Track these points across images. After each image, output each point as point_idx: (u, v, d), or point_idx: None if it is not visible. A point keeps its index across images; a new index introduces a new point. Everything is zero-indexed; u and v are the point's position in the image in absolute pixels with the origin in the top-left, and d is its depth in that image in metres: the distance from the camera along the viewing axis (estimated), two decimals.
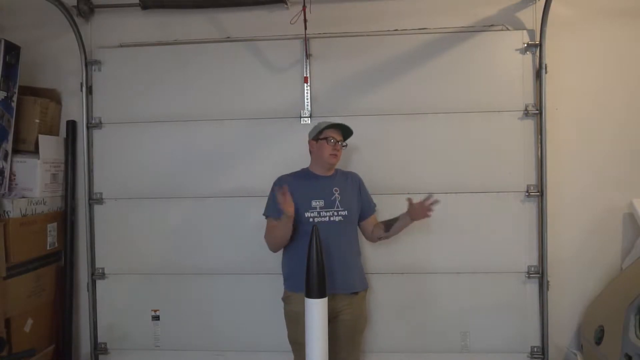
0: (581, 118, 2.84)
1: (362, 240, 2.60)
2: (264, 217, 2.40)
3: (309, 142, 2.44)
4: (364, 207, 2.49)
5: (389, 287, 2.85)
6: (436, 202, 2.28)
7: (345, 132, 2.42)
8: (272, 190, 2.41)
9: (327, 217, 2.32)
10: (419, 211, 2.31)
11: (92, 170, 3.01)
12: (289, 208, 2.17)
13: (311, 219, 2.31)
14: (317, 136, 2.39)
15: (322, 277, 2.01)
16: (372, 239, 2.55)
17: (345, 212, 2.34)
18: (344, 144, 2.41)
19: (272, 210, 2.35)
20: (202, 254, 2.94)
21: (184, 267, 2.95)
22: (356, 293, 2.37)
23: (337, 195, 2.36)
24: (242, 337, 2.93)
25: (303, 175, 2.45)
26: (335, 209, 2.34)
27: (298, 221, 2.32)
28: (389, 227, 2.44)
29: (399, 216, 2.41)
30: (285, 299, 2.40)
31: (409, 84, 2.86)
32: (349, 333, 2.35)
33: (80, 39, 2.94)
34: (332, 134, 2.36)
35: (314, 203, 2.33)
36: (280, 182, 2.39)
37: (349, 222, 2.38)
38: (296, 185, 2.36)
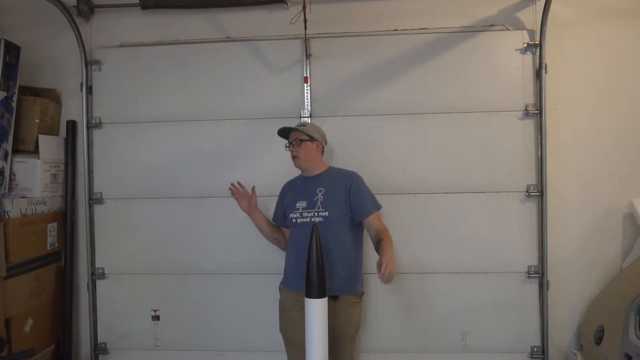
0: (581, 118, 2.84)
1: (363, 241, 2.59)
2: None
3: None
4: (356, 210, 2.34)
5: (389, 287, 2.84)
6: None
7: (295, 130, 2.41)
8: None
9: (309, 218, 2.31)
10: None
11: (92, 170, 3.01)
12: (240, 202, 2.47)
13: (294, 220, 2.35)
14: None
15: (322, 277, 2.00)
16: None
17: (327, 213, 2.30)
18: (299, 141, 2.36)
19: (273, 214, 2.56)
20: (202, 254, 2.94)
21: (184, 267, 2.95)
22: (336, 297, 2.27)
23: (319, 195, 2.34)
24: (242, 337, 2.93)
25: (297, 178, 2.51)
26: (316, 210, 2.32)
27: (289, 221, 2.41)
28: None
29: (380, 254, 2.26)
30: (279, 292, 2.47)
31: (409, 84, 2.85)
32: (333, 338, 2.20)
33: (80, 39, 2.94)
34: (288, 140, 2.44)
35: (297, 204, 2.37)
36: (283, 187, 2.53)
37: (332, 224, 2.30)
38: (290, 187, 2.50)
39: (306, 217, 2.32)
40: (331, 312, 2.21)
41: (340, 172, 2.49)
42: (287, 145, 2.44)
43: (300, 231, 2.28)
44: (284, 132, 2.47)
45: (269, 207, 2.62)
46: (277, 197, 2.56)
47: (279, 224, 2.54)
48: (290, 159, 2.42)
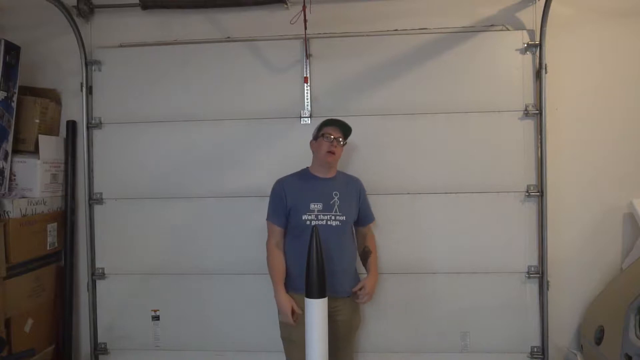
0: (581, 118, 2.84)
1: None
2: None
3: (310, 142, 2.45)
4: (360, 215, 2.47)
5: (389, 287, 2.85)
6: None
7: (345, 130, 2.39)
8: (271, 193, 2.43)
9: (325, 221, 2.29)
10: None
11: (92, 170, 3.01)
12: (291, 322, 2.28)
13: (308, 222, 2.30)
14: (317, 134, 2.40)
15: (322, 277, 2.01)
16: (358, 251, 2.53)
17: (343, 218, 2.33)
18: (343, 142, 2.38)
19: (272, 215, 2.39)
20: (202, 254, 2.94)
21: (184, 267, 2.95)
22: (350, 296, 2.39)
23: (336, 199, 2.34)
24: (241, 337, 2.93)
25: (303, 176, 2.44)
26: (333, 213, 2.32)
27: (295, 223, 2.34)
28: (364, 261, 2.51)
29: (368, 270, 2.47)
30: None
31: (409, 83, 2.85)
32: (343, 333, 2.36)
33: (80, 39, 2.94)
34: (330, 131, 2.35)
35: (312, 206, 2.31)
36: (280, 185, 2.42)
37: (346, 227, 2.36)
38: (295, 186, 2.39)
39: (322, 220, 2.29)
40: (343, 309, 2.34)
41: (348, 177, 2.53)
42: (331, 137, 2.32)
43: None
44: (333, 122, 2.37)
45: None
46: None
47: (279, 225, 2.39)
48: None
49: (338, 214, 2.32)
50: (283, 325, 2.40)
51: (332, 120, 2.38)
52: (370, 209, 2.55)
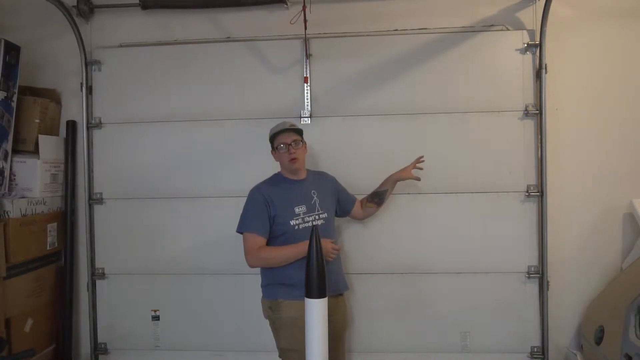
0: (581, 118, 2.84)
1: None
2: (239, 233, 2.31)
3: (271, 152, 2.40)
4: (347, 201, 2.56)
5: (389, 287, 2.85)
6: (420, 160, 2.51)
7: (297, 129, 2.33)
8: (249, 202, 2.33)
9: (310, 222, 2.29)
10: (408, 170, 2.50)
11: (92, 170, 3.01)
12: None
13: (297, 227, 2.27)
14: (272, 145, 2.37)
15: (322, 277, 1.99)
16: (364, 215, 2.62)
17: (326, 215, 2.35)
18: (300, 142, 2.30)
19: (255, 226, 2.26)
20: (202, 254, 2.94)
21: (184, 267, 2.95)
22: (341, 294, 2.41)
23: (315, 197, 2.35)
24: (241, 337, 2.93)
25: (278, 182, 2.39)
26: (316, 213, 2.32)
27: (282, 230, 2.28)
28: (375, 197, 2.55)
29: (386, 188, 2.54)
30: (274, 307, 2.31)
31: (409, 84, 2.85)
32: (337, 333, 2.35)
33: (80, 39, 2.94)
34: (283, 140, 2.29)
35: (297, 209, 2.30)
36: (260, 193, 2.32)
37: (329, 224, 2.38)
38: (276, 192, 2.32)
39: (307, 222, 2.29)
40: (336, 308, 2.31)
41: (318, 174, 2.55)
42: (283, 146, 2.29)
43: (304, 237, 2.12)
44: (281, 131, 2.33)
45: None
46: None
47: (264, 236, 2.27)
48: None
49: (320, 212, 2.34)
50: (286, 337, 2.29)
51: (279, 130, 2.32)
52: (349, 193, 2.60)
